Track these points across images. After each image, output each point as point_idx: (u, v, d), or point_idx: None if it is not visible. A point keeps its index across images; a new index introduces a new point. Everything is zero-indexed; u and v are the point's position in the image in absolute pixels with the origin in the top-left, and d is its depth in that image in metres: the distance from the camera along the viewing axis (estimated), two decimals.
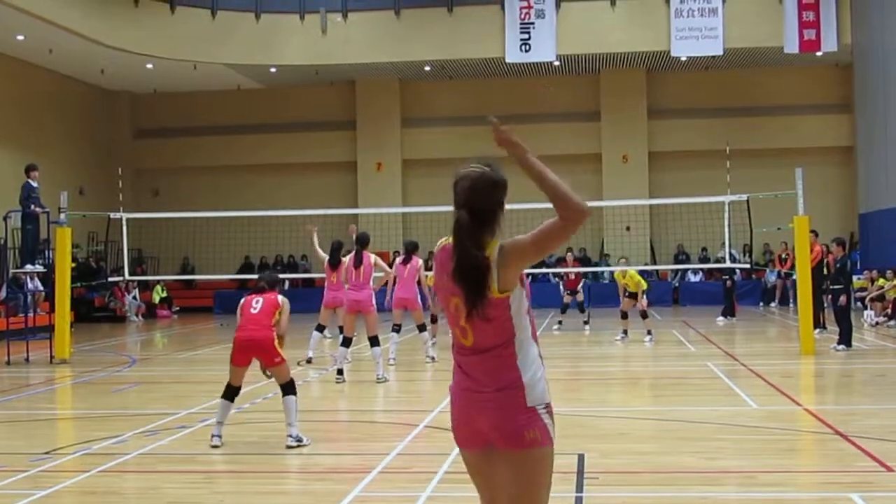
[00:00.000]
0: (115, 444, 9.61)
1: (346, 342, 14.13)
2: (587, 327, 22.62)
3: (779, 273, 30.73)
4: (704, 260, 31.92)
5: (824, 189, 31.71)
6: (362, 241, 14.20)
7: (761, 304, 31.50)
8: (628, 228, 32.14)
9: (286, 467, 8.66)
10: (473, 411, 4.20)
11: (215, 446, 9.29)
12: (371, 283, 14.14)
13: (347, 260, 14.39)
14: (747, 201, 18.96)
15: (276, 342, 9.42)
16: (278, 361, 9.43)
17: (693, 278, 32.42)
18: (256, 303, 9.54)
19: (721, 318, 25.32)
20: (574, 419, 11.00)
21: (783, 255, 29.51)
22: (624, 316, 20.15)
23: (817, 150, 32.97)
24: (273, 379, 9.69)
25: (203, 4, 31.22)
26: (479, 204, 4.15)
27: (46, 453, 9.19)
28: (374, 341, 13.98)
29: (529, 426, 4.11)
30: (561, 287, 24.22)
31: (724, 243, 23.89)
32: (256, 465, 8.78)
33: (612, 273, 25.28)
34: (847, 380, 14.67)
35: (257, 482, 8.18)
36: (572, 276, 23.24)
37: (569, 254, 27.55)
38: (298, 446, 9.25)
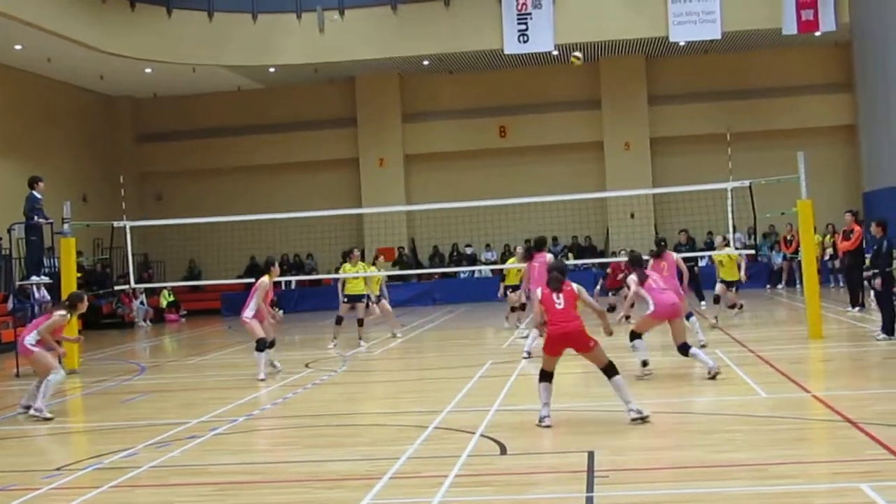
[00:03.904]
0: (126, 457, 9.63)
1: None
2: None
3: (784, 255, 30.67)
4: (710, 245, 31.75)
5: (827, 168, 31.65)
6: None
7: (768, 286, 31.41)
8: (632, 215, 32.09)
9: (298, 476, 8.66)
10: None
11: (548, 426, 9.93)
12: None
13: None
14: (749, 187, 18.89)
15: (585, 329, 10.11)
16: (592, 345, 10.06)
17: (701, 263, 32.26)
18: (558, 298, 10.23)
19: (703, 303, 24.84)
20: (583, 415, 11.00)
21: (788, 237, 29.45)
22: (717, 301, 20.60)
23: (819, 129, 32.94)
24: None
25: (200, 7, 31.21)
26: None
27: (58, 469, 9.21)
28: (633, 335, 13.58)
29: None
30: (600, 284, 24.03)
31: (728, 229, 23.71)
32: (268, 475, 8.80)
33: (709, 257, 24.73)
34: (856, 364, 14.65)
35: (269, 492, 8.18)
36: (618, 277, 21.40)
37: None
38: (640, 417, 9.89)
